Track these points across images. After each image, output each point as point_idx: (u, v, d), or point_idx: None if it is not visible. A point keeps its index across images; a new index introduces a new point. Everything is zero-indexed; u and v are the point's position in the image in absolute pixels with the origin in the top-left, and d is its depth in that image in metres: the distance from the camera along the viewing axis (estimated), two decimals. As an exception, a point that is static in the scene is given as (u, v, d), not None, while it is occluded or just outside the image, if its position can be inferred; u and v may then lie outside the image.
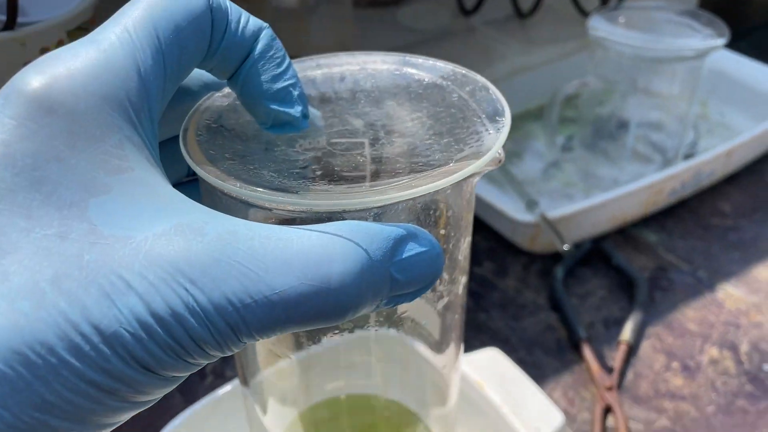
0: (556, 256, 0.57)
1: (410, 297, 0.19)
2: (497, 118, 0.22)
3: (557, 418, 0.38)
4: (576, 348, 0.50)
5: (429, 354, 0.30)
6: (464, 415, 0.41)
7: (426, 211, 0.23)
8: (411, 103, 0.24)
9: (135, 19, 0.19)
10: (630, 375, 0.48)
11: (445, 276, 0.26)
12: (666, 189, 0.60)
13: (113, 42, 0.18)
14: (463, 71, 0.25)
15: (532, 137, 0.73)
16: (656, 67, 0.59)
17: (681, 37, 0.59)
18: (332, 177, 0.21)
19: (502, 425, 0.38)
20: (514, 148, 0.72)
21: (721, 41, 0.58)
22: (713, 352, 0.50)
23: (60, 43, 0.52)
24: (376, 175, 0.21)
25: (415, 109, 0.23)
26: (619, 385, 0.47)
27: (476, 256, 0.58)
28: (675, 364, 0.49)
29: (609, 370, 0.48)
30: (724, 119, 0.75)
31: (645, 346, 0.50)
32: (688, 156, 0.68)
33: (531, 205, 0.56)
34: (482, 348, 0.42)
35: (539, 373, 0.48)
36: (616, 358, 0.48)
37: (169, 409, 0.42)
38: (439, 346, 0.29)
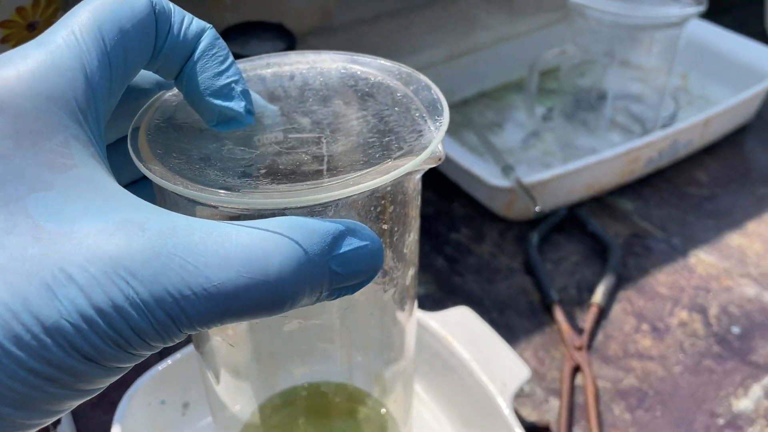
0: (532, 223, 0.58)
1: (352, 289, 0.20)
2: (437, 117, 0.23)
3: (523, 372, 0.40)
4: (548, 310, 0.50)
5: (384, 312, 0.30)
6: (434, 369, 0.42)
7: (367, 207, 0.24)
8: (357, 101, 0.25)
9: (81, 22, 0.20)
10: (600, 336, 0.49)
11: (392, 269, 0.27)
12: (642, 158, 0.60)
13: (60, 45, 0.19)
14: (409, 70, 0.26)
15: (514, 108, 0.74)
16: (634, 36, 0.59)
17: (659, 5, 0.59)
18: (276, 175, 0.21)
19: (470, 379, 0.39)
20: (495, 118, 0.72)
21: (699, 9, 0.58)
22: (683, 314, 0.50)
23: (36, 3, 0.52)
24: (318, 174, 0.22)
25: (360, 107, 0.24)
26: (589, 345, 0.48)
27: (453, 222, 0.59)
28: (644, 326, 0.49)
29: (579, 331, 0.48)
30: (704, 92, 0.75)
31: (616, 309, 0.51)
32: (667, 127, 0.69)
33: (507, 170, 0.56)
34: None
35: (511, 334, 0.49)
36: (587, 320, 0.49)
37: (147, 365, 0.42)
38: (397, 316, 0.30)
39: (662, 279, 0.53)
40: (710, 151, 0.67)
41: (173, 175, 0.20)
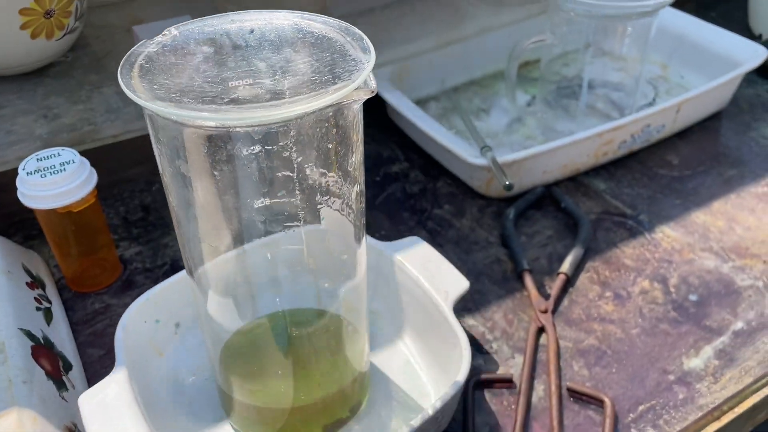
0: (510, 200, 0.62)
1: None
2: (367, 60, 0.30)
3: (463, 283, 0.47)
4: (520, 278, 0.55)
5: (345, 241, 0.37)
6: (389, 287, 0.49)
7: (314, 128, 0.30)
8: (305, 49, 0.31)
9: None
10: (565, 302, 0.53)
11: (338, 183, 0.33)
12: (616, 140, 0.64)
13: None
14: (346, 25, 0.32)
15: (501, 95, 0.78)
16: (608, 26, 0.63)
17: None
18: (237, 103, 0.28)
19: (419, 291, 0.47)
20: (482, 105, 0.76)
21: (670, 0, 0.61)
22: (645, 284, 0.54)
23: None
24: (273, 101, 0.28)
25: (307, 54, 0.31)
26: (555, 310, 0.52)
27: (437, 199, 0.63)
28: (608, 294, 0.53)
29: (546, 296, 0.52)
30: (683, 81, 0.79)
31: (582, 279, 0.55)
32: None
33: (485, 150, 0.60)
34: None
35: (484, 299, 0.53)
36: (554, 287, 0.53)
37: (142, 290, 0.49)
38: (354, 237, 0.37)
39: (628, 252, 0.57)
40: (684, 135, 0.71)
41: (157, 101, 0.27)
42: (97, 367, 0.48)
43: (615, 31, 0.64)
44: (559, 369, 0.47)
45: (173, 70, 0.29)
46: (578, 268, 0.55)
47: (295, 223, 0.34)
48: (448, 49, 0.75)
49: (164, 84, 0.28)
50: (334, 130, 0.31)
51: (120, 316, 0.45)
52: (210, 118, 0.27)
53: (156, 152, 0.32)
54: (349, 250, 0.37)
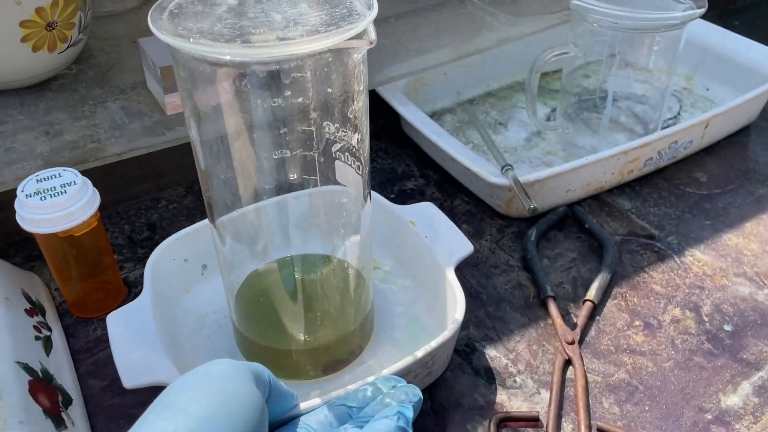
0: (531, 220, 0.59)
1: None
2: (367, 14, 0.33)
3: (468, 247, 0.48)
4: (543, 305, 0.52)
5: (350, 200, 0.41)
6: (395, 243, 0.53)
7: (316, 69, 0.33)
8: (317, 5, 0.34)
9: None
10: (593, 331, 0.50)
11: (339, 128, 0.36)
12: (642, 157, 0.61)
13: None
14: None
15: (519, 107, 0.75)
16: (634, 38, 0.60)
17: (659, 8, 0.60)
18: (251, 44, 0.31)
19: (425, 250, 0.49)
20: (499, 118, 0.73)
21: (700, 11, 0.59)
22: (676, 312, 0.51)
23: (55, 4, 0.54)
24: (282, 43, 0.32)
25: (318, 9, 0.34)
26: (581, 340, 0.49)
27: (454, 218, 0.60)
28: (637, 323, 0.51)
29: (572, 326, 0.50)
30: (708, 93, 0.76)
31: (610, 305, 0.52)
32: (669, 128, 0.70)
33: (506, 170, 0.58)
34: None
35: (506, 327, 0.50)
36: (580, 315, 0.50)
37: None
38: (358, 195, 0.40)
39: (657, 277, 0.54)
40: (711, 151, 0.68)
41: (181, 39, 0.30)
42: (99, 400, 0.46)
43: (642, 43, 0.61)
44: (588, 406, 0.44)
45: (198, 17, 0.33)
46: (605, 294, 0.53)
47: (305, 176, 0.38)
48: (464, 60, 0.72)
49: (188, 27, 0.32)
50: (334, 75, 0.34)
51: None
52: (219, 53, 0.30)
53: (182, 96, 0.36)
54: (356, 203, 0.41)
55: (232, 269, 0.44)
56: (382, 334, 0.48)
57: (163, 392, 0.30)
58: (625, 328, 0.50)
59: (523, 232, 0.59)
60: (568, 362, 0.47)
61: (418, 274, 0.51)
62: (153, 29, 0.31)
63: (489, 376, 0.46)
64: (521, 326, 0.50)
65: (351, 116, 0.36)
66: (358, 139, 0.37)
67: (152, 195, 0.63)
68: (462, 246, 0.48)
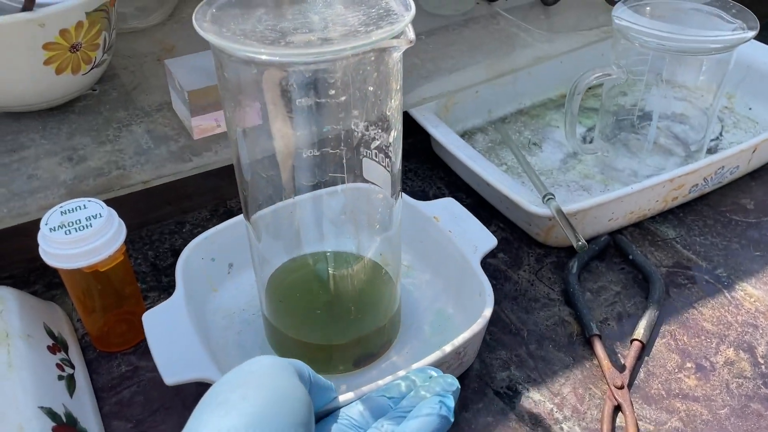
0: (571, 249, 0.57)
1: None
2: (406, 14, 0.34)
3: (492, 241, 0.49)
4: (588, 344, 0.49)
5: (384, 193, 0.41)
6: (421, 240, 0.53)
7: (358, 69, 0.34)
8: (353, 6, 0.35)
9: None
10: (642, 374, 0.47)
11: (377, 123, 0.37)
12: (687, 184, 0.58)
13: None
14: None
15: (553, 126, 0.72)
16: (681, 59, 0.58)
17: (708, 28, 0.57)
18: (292, 45, 0.32)
19: (450, 245, 0.50)
20: (533, 138, 0.71)
21: (751, 34, 0.56)
22: (729, 353, 0.49)
23: (79, 26, 0.52)
24: (322, 46, 0.32)
25: (354, 10, 0.34)
26: (630, 383, 0.46)
27: (490, 247, 0.58)
28: (689, 364, 0.48)
29: (620, 367, 0.47)
30: (750, 113, 0.73)
31: (658, 345, 0.49)
32: (710, 150, 0.67)
33: (548, 199, 0.55)
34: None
35: (549, 369, 0.48)
36: (628, 356, 0.48)
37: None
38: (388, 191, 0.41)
39: (707, 313, 0.52)
40: (756, 175, 0.65)
41: (225, 41, 0.31)
42: (124, 444, 0.44)
43: (689, 64, 0.58)
44: (641, 458, 0.42)
45: (238, 19, 0.34)
46: (653, 332, 0.50)
47: (340, 174, 0.39)
48: (498, 79, 0.70)
49: (231, 28, 0.33)
50: (375, 74, 0.35)
51: (148, 380, 0.46)
52: (264, 53, 0.31)
53: (222, 95, 0.37)
54: (386, 201, 0.41)
55: (266, 264, 0.45)
56: (409, 328, 0.49)
57: (211, 390, 0.30)
58: (676, 370, 0.47)
59: (563, 262, 0.56)
60: (617, 408, 0.45)
61: (441, 268, 0.52)
62: (200, 31, 0.32)
63: (534, 422, 0.44)
64: (565, 367, 0.48)
65: (388, 113, 0.37)
66: (394, 136, 0.38)
67: (176, 218, 0.61)
68: (486, 239, 0.49)
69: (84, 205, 0.45)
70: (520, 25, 0.74)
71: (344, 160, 0.38)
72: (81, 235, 0.43)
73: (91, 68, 0.55)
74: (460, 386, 0.34)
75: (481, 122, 0.73)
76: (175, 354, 0.41)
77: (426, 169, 0.67)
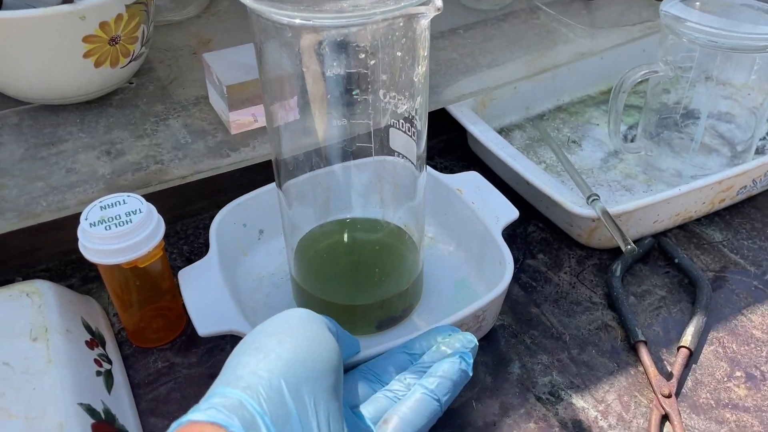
0: (613, 251, 0.55)
1: None
2: None
3: (514, 212, 0.51)
4: (633, 350, 0.48)
5: (407, 169, 0.43)
6: (443, 209, 0.55)
7: (387, 33, 0.35)
8: None
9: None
10: (689, 382, 0.46)
11: (404, 88, 0.38)
12: (736, 186, 0.57)
13: None
14: None
15: (593, 124, 0.71)
16: (731, 57, 0.56)
17: (760, 24, 0.55)
18: (326, 10, 0.33)
19: (472, 215, 0.51)
20: (572, 135, 0.69)
21: (807, 30, 0.54)
22: (780, 361, 0.47)
23: (119, 18, 0.52)
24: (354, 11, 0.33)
25: None
26: (678, 392, 0.45)
27: (529, 247, 0.57)
28: (738, 373, 0.46)
29: (667, 375, 0.46)
30: (799, 112, 0.70)
31: (706, 352, 0.48)
32: (758, 150, 0.65)
33: (592, 200, 0.54)
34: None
35: (592, 375, 0.46)
36: (676, 364, 0.46)
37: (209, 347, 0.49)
38: (415, 163, 0.42)
39: (756, 320, 0.50)
40: (807, 178, 0.63)
41: (261, 4, 0.33)
42: (161, 442, 0.43)
43: (740, 61, 0.56)
44: (690, 470, 0.40)
45: None
46: (700, 339, 0.48)
47: (368, 144, 0.40)
48: (537, 75, 0.68)
49: None
50: (403, 40, 0.36)
51: (184, 377, 0.46)
52: (298, 17, 0.32)
53: (257, 62, 0.38)
54: (412, 173, 0.43)
55: (295, 230, 0.47)
56: (430, 295, 0.51)
57: (248, 338, 0.32)
58: (726, 379, 0.46)
59: (606, 265, 0.55)
60: (664, 417, 0.43)
61: (464, 239, 0.53)
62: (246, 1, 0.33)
63: (578, 430, 0.43)
64: (610, 373, 0.46)
65: (416, 80, 0.38)
66: (419, 102, 0.39)
67: (211, 213, 0.61)
68: (508, 211, 0.50)
69: (124, 200, 0.45)
70: (560, 19, 0.72)
71: (371, 129, 0.39)
72: (121, 231, 0.43)
73: (129, 61, 0.55)
74: (477, 344, 0.37)
75: (518, 119, 0.71)
76: (208, 308, 0.43)
77: (462, 167, 0.65)
